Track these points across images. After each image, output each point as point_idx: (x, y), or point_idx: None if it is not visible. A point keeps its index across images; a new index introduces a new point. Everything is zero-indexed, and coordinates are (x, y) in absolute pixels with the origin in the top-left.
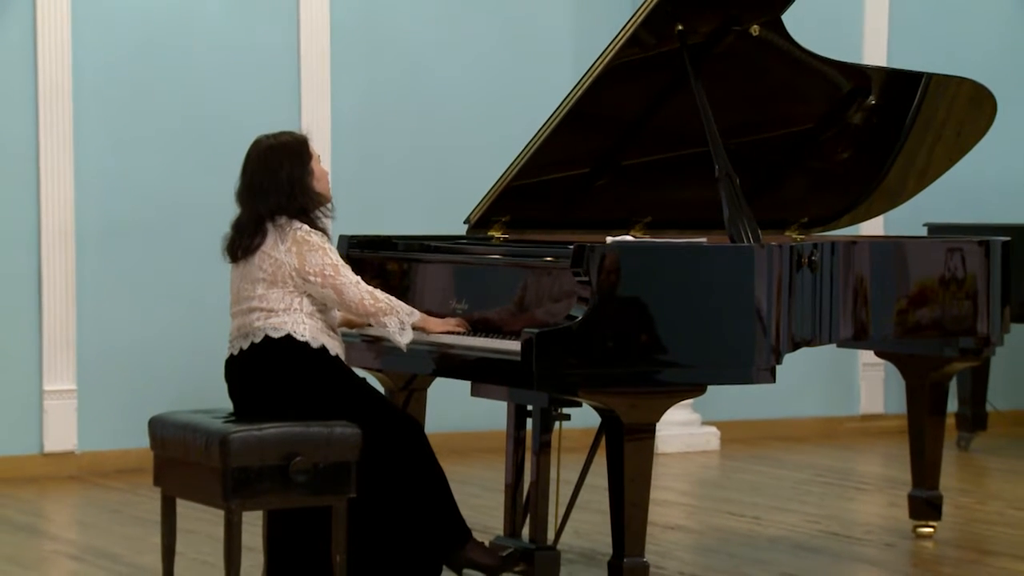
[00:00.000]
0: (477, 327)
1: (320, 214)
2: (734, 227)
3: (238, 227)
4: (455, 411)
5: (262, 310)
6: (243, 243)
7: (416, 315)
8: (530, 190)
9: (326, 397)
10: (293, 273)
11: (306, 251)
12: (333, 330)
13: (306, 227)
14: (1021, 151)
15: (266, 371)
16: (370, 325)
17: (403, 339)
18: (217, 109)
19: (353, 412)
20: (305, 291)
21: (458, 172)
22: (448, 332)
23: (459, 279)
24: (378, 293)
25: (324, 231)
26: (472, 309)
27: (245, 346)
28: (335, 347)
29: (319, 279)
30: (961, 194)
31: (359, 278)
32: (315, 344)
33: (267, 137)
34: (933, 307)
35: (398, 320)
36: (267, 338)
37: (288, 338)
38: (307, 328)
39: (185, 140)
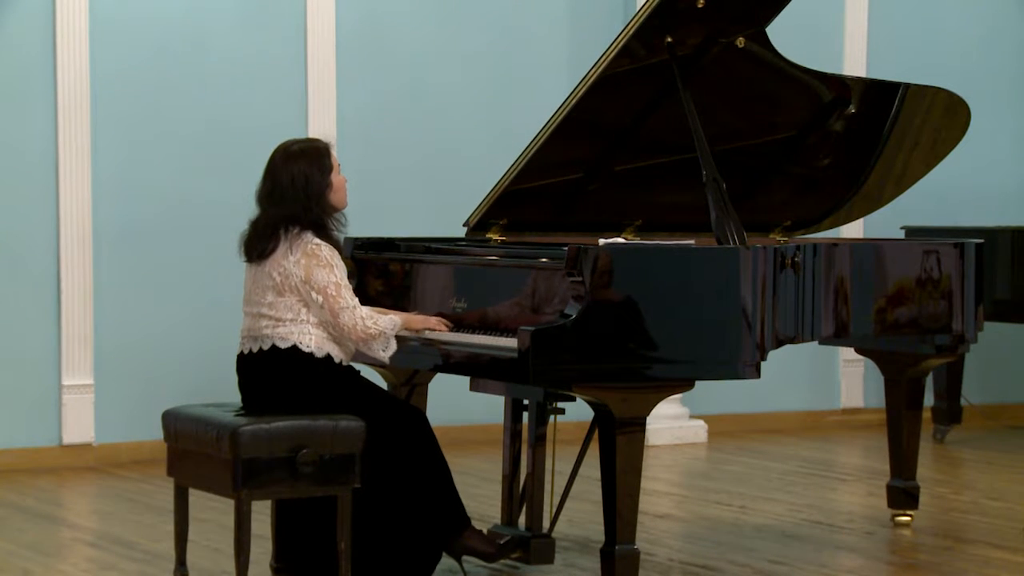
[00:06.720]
0: (476, 325)
1: (333, 226)
2: (721, 230)
3: (255, 228)
4: (455, 405)
5: (270, 318)
6: (257, 247)
7: (398, 323)
8: (526, 194)
9: (331, 399)
10: (300, 284)
11: (314, 265)
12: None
13: (317, 240)
14: (994, 158)
15: (273, 378)
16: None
17: (386, 355)
18: (228, 117)
19: (359, 408)
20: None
21: (458, 177)
22: (429, 328)
23: (459, 279)
24: (369, 321)
25: (336, 243)
26: (471, 308)
27: (254, 349)
28: (340, 352)
29: (320, 296)
30: (937, 198)
31: (357, 301)
32: (320, 354)
33: (292, 143)
34: (910, 306)
35: (384, 340)
36: (274, 347)
37: (294, 348)
38: (313, 338)
39: (197, 146)
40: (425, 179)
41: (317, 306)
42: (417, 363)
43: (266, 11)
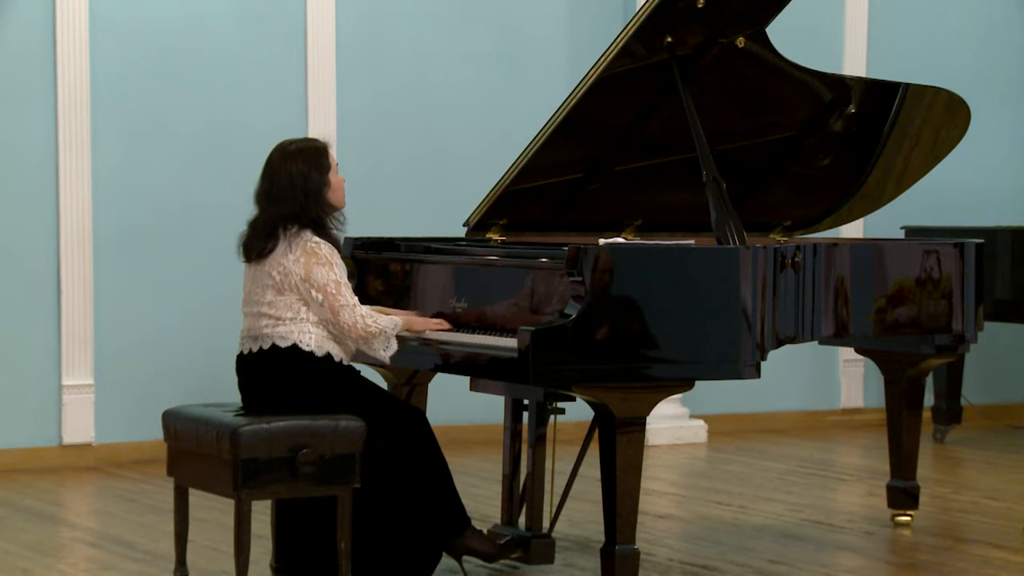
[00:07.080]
0: (476, 325)
1: (332, 224)
2: (721, 230)
3: (253, 228)
4: (455, 405)
5: (270, 317)
6: (256, 246)
7: (400, 323)
8: (526, 194)
9: (331, 399)
10: (299, 282)
11: (313, 263)
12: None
13: (316, 238)
14: (994, 158)
15: (273, 377)
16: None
17: (387, 354)
18: (228, 118)
19: (359, 408)
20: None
21: (457, 177)
22: (430, 330)
23: (459, 279)
24: (369, 320)
25: (335, 242)
26: (471, 308)
27: (254, 348)
28: (340, 351)
29: (320, 294)
30: (937, 199)
31: (357, 300)
32: (320, 353)
33: (290, 143)
34: (910, 306)
35: (385, 339)
36: (274, 346)
37: (294, 347)
38: (312, 337)
39: (197, 147)
40: (425, 180)
41: (317, 304)
42: (417, 363)
43: (266, 11)
